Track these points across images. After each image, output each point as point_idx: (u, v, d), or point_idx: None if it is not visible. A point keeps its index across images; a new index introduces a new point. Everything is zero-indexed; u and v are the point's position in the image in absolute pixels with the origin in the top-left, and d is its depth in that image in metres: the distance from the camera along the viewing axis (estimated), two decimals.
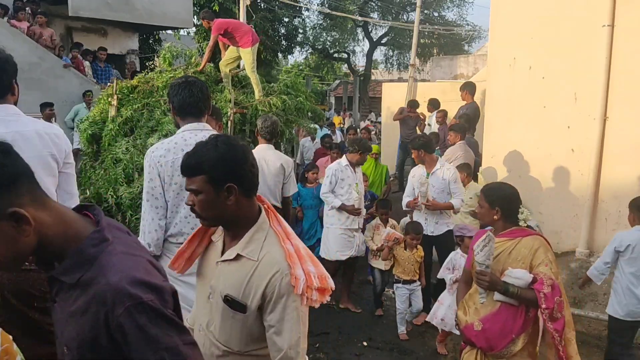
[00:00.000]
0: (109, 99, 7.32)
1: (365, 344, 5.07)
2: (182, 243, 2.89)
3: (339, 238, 5.70)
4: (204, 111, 3.02)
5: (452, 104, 9.63)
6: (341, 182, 5.63)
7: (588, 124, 5.79)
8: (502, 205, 3.07)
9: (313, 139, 12.03)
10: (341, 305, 5.90)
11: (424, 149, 5.61)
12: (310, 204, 6.87)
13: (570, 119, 5.95)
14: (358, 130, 13.43)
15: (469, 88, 8.07)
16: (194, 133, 2.95)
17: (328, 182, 5.65)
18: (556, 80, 6.00)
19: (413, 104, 10.05)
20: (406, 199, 5.79)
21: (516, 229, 3.09)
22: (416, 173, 5.78)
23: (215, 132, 3.04)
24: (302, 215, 6.88)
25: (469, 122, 7.43)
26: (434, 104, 9.71)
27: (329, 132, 13.18)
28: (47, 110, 8.79)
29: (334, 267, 5.69)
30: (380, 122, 19.74)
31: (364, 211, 5.98)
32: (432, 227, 5.56)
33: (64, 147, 2.70)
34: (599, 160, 5.78)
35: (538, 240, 3.02)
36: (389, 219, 5.91)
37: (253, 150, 5.14)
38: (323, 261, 5.33)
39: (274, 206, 4.91)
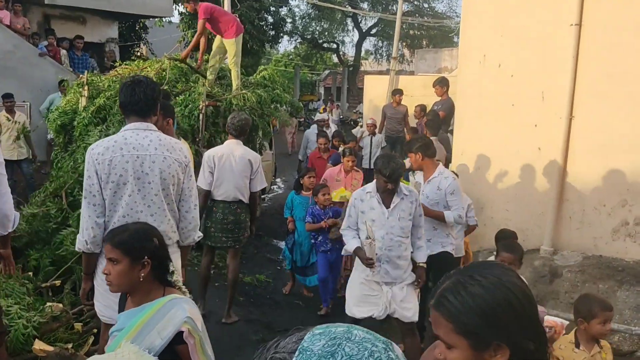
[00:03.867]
0: (80, 89, 7.26)
1: None
2: None
3: (357, 288, 4.20)
4: (147, 112, 2.99)
5: (435, 98, 9.58)
6: (361, 215, 4.13)
7: (554, 122, 5.80)
8: None
9: (321, 130, 10.57)
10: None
11: (422, 152, 4.62)
12: (303, 215, 5.91)
13: (537, 118, 5.96)
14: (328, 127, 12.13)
15: (443, 84, 8.06)
16: (136, 132, 2.93)
17: (347, 214, 4.31)
18: (524, 78, 6.00)
19: (398, 92, 9.89)
20: None
21: None
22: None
23: (158, 133, 3.02)
24: (294, 227, 6.03)
25: (437, 118, 7.40)
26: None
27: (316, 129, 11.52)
28: (6, 102, 8.51)
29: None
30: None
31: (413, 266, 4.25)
32: None
33: None
34: (565, 159, 5.80)
35: None
36: None
37: (221, 145, 5.19)
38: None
39: (240, 201, 4.97)
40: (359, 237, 4.14)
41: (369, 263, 3.92)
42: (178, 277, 2.71)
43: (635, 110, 5.38)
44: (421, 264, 4.24)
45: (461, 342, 1.25)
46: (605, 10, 5.48)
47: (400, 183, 4.11)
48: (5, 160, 2.90)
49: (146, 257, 2.21)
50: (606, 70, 5.50)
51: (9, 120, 8.40)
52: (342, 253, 4.65)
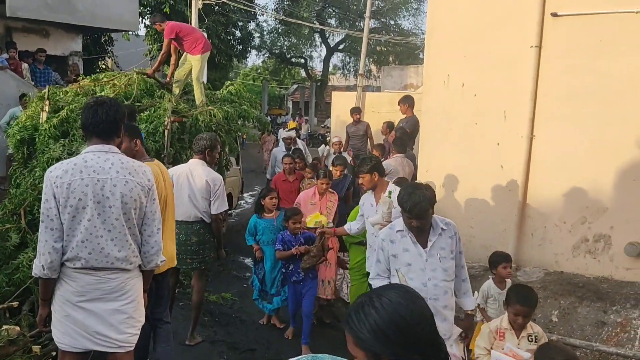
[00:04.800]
0: (41, 104, 7.09)
1: None
2: (79, 268, 2.83)
3: None
4: (110, 134, 2.93)
5: (400, 115, 9.68)
6: (393, 260, 3.49)
7: (516, 141, 5.93)
8: None
9: (289, 149, 9.77)
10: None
11: (378, 172, 4.51)
12: (270, 238, 5.45)
13: (499, 136, 6.09)
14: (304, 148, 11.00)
15: (408, 102, 8.17)
16: (97, 155, 2.88)
17: (375, 259, 3.66)
18: (487, 98, 6.13)
19: (356, 110, 9.97)
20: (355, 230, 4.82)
21: None
22: (365, 201, 4.67)
23: (121, 155, 2.96)
24: (262, 255, 5.55)
25: (405, 135, 7.49)
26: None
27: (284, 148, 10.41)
28: None
29: None
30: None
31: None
32: None
33: None
34: (526, 177, 5.92)
35: None
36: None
37: (183, 164, 5.12)
38: None
39: (202, 221, 4.87)
40: None
41: None
42: None
43: (593, 130, 5.54)
44: (470, 312, 3.66)
45: (360, 354, 1.47)
46: (564, 33, 5.65)
47: (436, 216, 3.53)
48: None
49: None
50: (565, 90, 5.66)
51: None
52: None
